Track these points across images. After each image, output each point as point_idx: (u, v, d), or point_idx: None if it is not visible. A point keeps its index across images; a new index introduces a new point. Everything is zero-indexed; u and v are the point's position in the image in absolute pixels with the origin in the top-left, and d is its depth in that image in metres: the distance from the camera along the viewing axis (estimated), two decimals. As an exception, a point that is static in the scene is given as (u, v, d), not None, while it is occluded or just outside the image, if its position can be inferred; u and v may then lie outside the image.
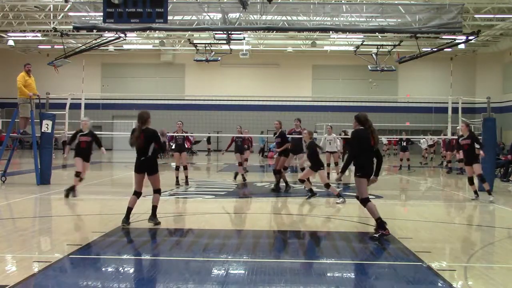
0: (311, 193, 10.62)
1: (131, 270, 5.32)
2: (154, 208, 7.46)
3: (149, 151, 7.33)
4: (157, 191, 7.50)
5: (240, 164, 14.77)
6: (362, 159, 6.82)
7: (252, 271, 5.21)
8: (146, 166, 7.37)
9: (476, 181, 11.16)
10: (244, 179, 14.38)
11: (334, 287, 4.97)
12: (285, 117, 20.74)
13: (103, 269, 5.38)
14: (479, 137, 12.31)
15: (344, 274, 5.36)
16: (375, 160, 6.96)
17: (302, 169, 12.44)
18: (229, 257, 5.75)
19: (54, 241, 6.66)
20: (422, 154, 25.19)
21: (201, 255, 5.85)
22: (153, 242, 6.57)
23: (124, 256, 5.78)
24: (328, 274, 5.36)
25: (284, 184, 12.11)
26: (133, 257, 5.75)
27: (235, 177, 14.73)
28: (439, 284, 4.90)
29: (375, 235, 6.73)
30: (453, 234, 7.48)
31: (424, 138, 24.21)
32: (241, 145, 15.14)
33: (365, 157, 6.83)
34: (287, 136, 12.28)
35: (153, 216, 7.42)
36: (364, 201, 6.88)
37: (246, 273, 5.16)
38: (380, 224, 6.72)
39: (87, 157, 10.38)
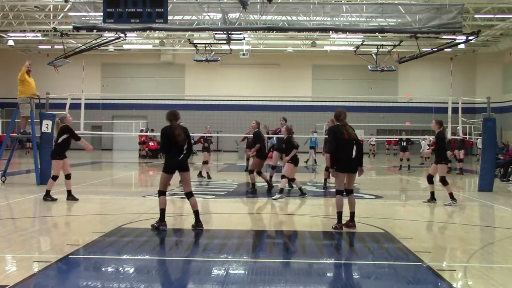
0: (302, 193, 10.80)
1: (131, 270, 5.32)
2: (197, 213, 7.15)
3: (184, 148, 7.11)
4: (191, 194, 7.19)
5: (206, 162, 15.24)
6: (338, 154, 7.20)
7: (252, 271, 5.21)
8: (183, 163, 7.11)
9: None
10: (209, 176, 14.94)
11: (334, 287, 4.98)
12: (285, 117, 20.71)
13: (103, 269, 5.38)
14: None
15: (344, 274, 5.36)
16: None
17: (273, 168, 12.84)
18: (229, 257, 5.75)
19: (54, 241, 6.65)
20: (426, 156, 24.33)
21: (201, 255, 5.85)
22: (153, 242, 6.56)
23: (124, 256, 5.77)
24: (328, 274, 5.37)
25: (266, 184, 12.04)
26: (133, 257, 5.74)
27: (200, 174, 15.14)
28: (439, 284, 4.90)
29: (334, 225, 7.24)
30: (453, 234, 7.48)
31: (427, 144, 23.51)
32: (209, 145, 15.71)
33: (341, 151, 7.18)
34: (271, 136, 12.41)
35: (198, 221, 7.12)
36: (336, 192, 7.34)
37: (246, 273, 5.16)
38: (339, 218, 7.22)
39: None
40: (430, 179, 10.36)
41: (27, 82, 12.60)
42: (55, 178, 9.79)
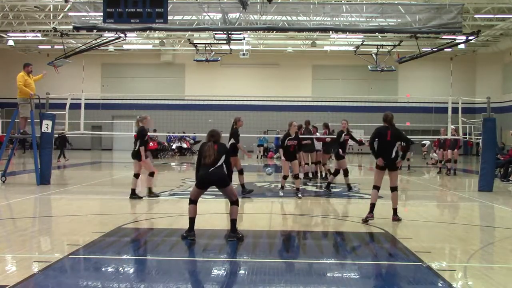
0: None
1: (131, 270, 5.32)
2: (233, 221, 6.65)
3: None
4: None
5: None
6: (378, 152, 8.12)
7: (252, 271, 5.21)
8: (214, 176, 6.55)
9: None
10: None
11: (334, 287, 4.98)
12: (285, 117, 20.76)
13: (103, 269, 5.38)
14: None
15: (344, 274, 5.36)
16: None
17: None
18: (229, 257, 5.75)
19: (54, 241, 6.66)
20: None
21: (201, 255, 5.85)
22: (153, 242, 6.56)
23: (124, 256, 5.77)
24: (328, 274, 5.36)
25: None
26: (133, 257, 5.74)
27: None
28: (439, 284, 4.90)
29: (364, 218, 7.95)
30: (453, 234, 7.47)
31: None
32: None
33: (382, 151, 8.06)
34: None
35: (233, 232, 6.63)
36: (373, 187, 8.21)
37: (246, 273, 5.16)
38: (371, 208, 7.97)
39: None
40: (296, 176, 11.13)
41: (27, 83, 12.62)
42: (152, 174, 10.54)
